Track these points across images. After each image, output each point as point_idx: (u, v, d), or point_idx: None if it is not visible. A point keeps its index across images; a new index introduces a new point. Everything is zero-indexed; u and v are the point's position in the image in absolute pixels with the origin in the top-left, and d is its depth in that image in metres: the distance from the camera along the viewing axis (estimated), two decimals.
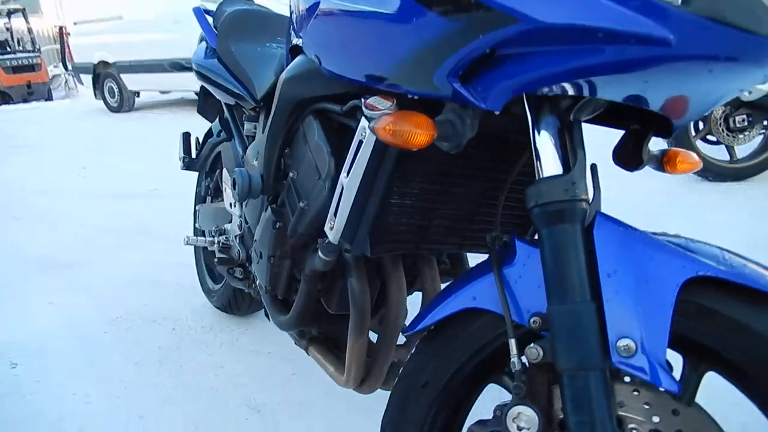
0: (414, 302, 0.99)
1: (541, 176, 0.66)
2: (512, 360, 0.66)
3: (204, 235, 1.86)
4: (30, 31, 10.74)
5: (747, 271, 0.60)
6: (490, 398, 0.77)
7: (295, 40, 0.97)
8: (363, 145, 0.78)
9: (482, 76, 0.61)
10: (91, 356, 1.67)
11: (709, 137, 2.94)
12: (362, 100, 0.76)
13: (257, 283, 1.14)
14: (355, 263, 0.93)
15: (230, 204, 1.40)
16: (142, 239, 2.73)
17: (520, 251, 0.69)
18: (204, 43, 1.66)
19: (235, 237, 1.35)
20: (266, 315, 1.36)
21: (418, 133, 0.67)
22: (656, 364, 0.58)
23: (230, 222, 1.44)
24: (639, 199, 2.67)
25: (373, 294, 0.98)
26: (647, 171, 0.84)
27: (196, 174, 1.95)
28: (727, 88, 0.60)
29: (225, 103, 1.56)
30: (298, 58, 0.95)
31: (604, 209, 0.68)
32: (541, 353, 0.65)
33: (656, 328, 0.59)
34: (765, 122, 2.86)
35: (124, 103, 7.96)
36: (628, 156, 0.80)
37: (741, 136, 2.85)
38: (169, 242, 2.64)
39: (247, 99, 1.40)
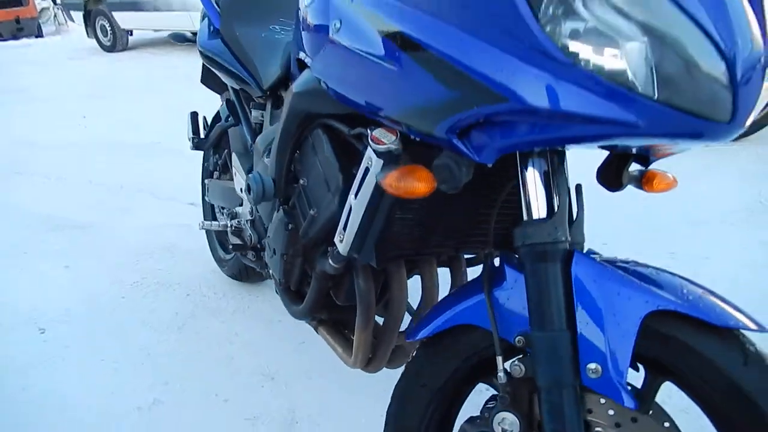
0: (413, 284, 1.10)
1: (528, 218, 0.75)
2: (499, 374, 0.77)
3: (213, 210, 1.96)
4: None
5: (701, 304, 0.70)
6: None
7: (302, 56, 1.02)
8: (369, 171, 0.85)
9: (477, 135, 0.69)
10: (112, 323, 1.80)
11: None
12: (368, 131, 0.83)
13: (270, 272, 1.24)
14: (361, 266, 1.02)
15: (241, 189, 1.47)
16: (149, 199, 2.81)
17: (509, 276, 0.79)
18: (206, 22, 1.68)
19: (247, 221, 1.44)
20: (276, 290, 1.48)
21: (420, 186, 0.75)
22: (618, 385, 0.69)
23: (241, 205, 1.52)
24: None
25: (377, 286, 1.08)
26: None
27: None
28: (698, 145, 0.68)
29: (230, 87, 1.60)
30: (307, 74, 1.00)
31: None
32: (524, 370, 0.76)
33: (620, 354, 0.69)
34: None
35: (118, 42, 7.81)
36: (611, 177, 0.88)
37: None
38: (175, 203, 2.72)
39: (253, 87, 1.45)
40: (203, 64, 1.93)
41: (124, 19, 7.56)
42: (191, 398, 1.45)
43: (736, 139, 2.98)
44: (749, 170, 2.68)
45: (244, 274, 1.86)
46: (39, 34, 10.11)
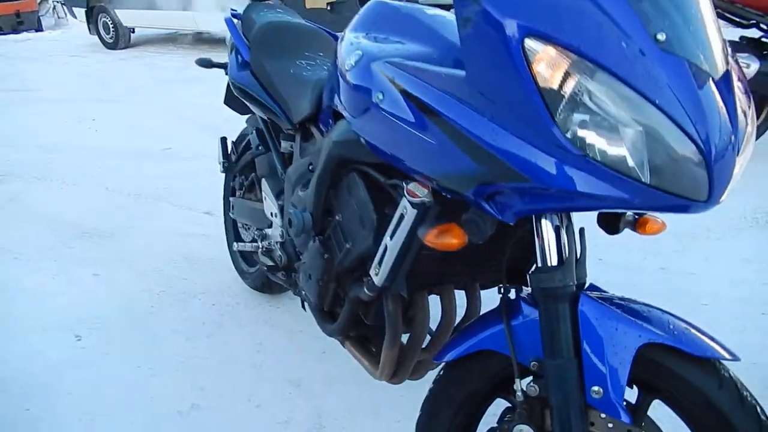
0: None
1: (542, 264, 0.89)
2: (517, 393, 0.92)
3: (235, 226, 2.10)
4: None
5: (684, 337, 0.85)
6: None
7: (339, 108, 1.16)
8: (404, 219, 1.00)
9: (500, 199, 0.83)
10: (144, 330, 1.93)
11: None
12: (404, 184, 0.98)
13: (303, 293, 1.38)
14: (391, 294, 1.17)
15: (271, 213, 1.61)
16: (168, 207, 2.93)
17: (525, 310, 0.94)
18: (235, 54, 1.81)
19: (276, 243, 1.58)
20: (302, 305, 1.62)
21: (455, 242, 0.91)
22: (617, 404, 0.84)
23: (270, 227, 1.65)
24: None
25: (403, 307, 1.23)
26: None
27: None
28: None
29: (259, 117, 1.73)
30: (344, 125, 1.14)
31: None
32: (538, 390, 0.91)
33: (618, 379, 0.85)
34: None
35: (120, 39, 7.89)
36: (609, 222, 1.03)
37: None
38: (193, 211, 2.85)
39: (282, 119, 1.59)
40: (227, 87, 2.07)
41: (127, 16, 7.64)
42: (227, 403, 1.59)
43: None
44: (736, 187, 2.84)
45: (268, 286, 2.00)
46: (39, 28, 10.15)
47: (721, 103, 0.73)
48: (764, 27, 2.91)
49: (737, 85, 0.77)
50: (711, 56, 0.73)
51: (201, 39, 8.15)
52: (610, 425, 0.91)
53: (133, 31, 8.07)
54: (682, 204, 0.73)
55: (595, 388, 0.85)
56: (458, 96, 0.82)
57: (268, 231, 1.64)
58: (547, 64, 0.72)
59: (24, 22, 9.99)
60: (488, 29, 0.76)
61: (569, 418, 0.87)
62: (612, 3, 0.71)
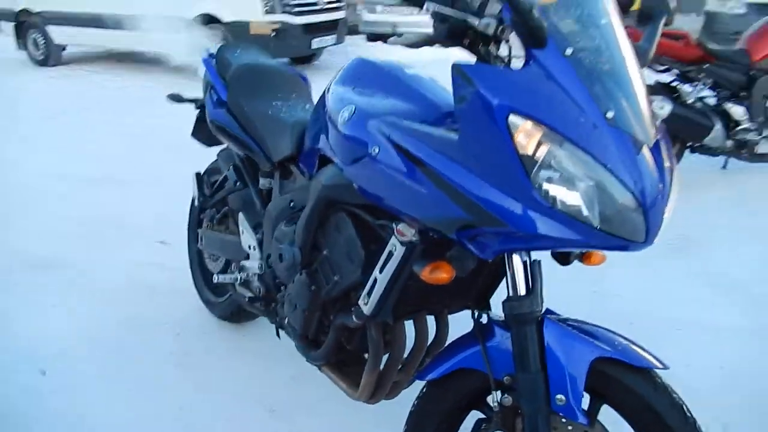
0: None
1: (514, 293, 1.07)
2: (494, 404, 1.08)
3: (200, 256, 2.17)
4: None
5: (627, 351, 1.04)
6: None
7: (329, 153, 1.30)
8: (393, 255, 1.14)
9: (481, 239, 1.00)
10: (112, 361, 1.95)
11: None
12: (393, 225, 1.13)
13: (286, 321, 1.49)
14: (374, 321, 1.30)
15: (249, 246, 1.71)
16: (119, 235, 2.90)
17: (497, 332, 1.11)
18: (211, 93, 1.90)
19: (254, 274, 1.68)
20: (277, 333, 1.72)
21: (445, 276, 1.08)
22: (576, 409, 1.02)
23: (247, 259, 1.75)
24: None
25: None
26: None
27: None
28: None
29: (236, 154, 1.83)
30: (333, 170, 1.28)
31: None
32: (511, 400, 1.08)
33: (577, 387, 1.03)
34: None
35: (51, 56, 7.62)
36: (562, 256, 1.22)
37: None
38: (148, 240, 2.84)
39: (261, 157, 1.70)
40: (196, 120, 2.16)
41: (60, 33, 7.40)
42: (206, 427, 1.66)
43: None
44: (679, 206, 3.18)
45: (236, 316, 2.07)
46: None
47: (653, 165, 0.94)
48: (675, 73, 3.31)
49: (664, 149, 0.99)
50: (645, 129, 0.94)
51: (135, 57, 8.00)
52: (570, 428, 1.08)
53: (65, 49, 7.82)
54: (625, 244, 0.93)
55: (559, 396, 1.03)
56: (449, 155, 0.99)
57: (246, 263, 1.73)
58: (525, 135, 0.91)
59: None
60: (480, 106, 0.94)
61: (537, 423, 1.04)
62: (573, 88, 0.91)
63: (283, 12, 6.44)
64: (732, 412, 1.68)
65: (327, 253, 1.33)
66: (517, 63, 1.04)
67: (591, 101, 0.91)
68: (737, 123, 3.21)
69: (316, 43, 6.87)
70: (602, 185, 0.90)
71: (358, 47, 8.70)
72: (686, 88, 3.24)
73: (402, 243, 1.12)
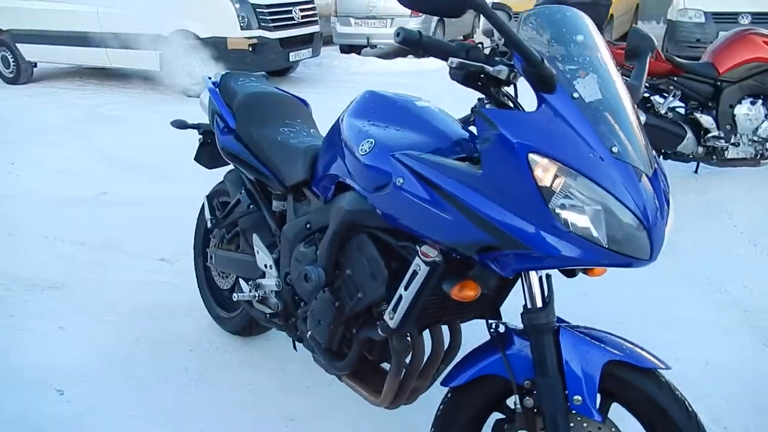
0: None
1: (532, 306, 1.18)
2: (517, 406, 1.19)
3: (206, 273, 2.24)
4: None
5: (633, 354, 1.17)
6: None
7: (350, 182, 1.40)
8: (418, 274, 1.25)
9: (502, 259, 1.11)
10: (128, 380, 2.00)
11: None
12: (417, 247, 1.23)
13: (309, 335, 1.58)
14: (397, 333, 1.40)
15: (265, 265, 1.79)
16: (118, 255, 2.94)
17: (516, 341, 1.22)
18: (218, 120, 1.98)
19: (272, 291, 1.76)
20: (294, 346, 1.80)
21: (471, 294, 1.19)
22: (592, 408, 1.14)
23: (263, 277, 1.83)
24: None
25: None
26: None
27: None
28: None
29: (247, 178, 1.92)
30: (355, 196, 1.38)
31: None
32: (533, 402, 1.19)
33: (592, 388, 1.14)
34: None
35: (21, 74, 7.53)
36: (569, 270, 1.34)
37: None
38: (146, 259, 2.89)
39: (273, 181, 1.78)
40: (199, 145, 2.23)
41: (30, 50, 7.32)
42: None
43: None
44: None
45: (248, 329, 2.14)
46: None
47: (652, 191, 1.07)
48: (647, 86, 3.51)
49: (661, 177, 1.12)
50: (645, 160, 1.08)
51: (109, 73, 7.96)
52: (585, 425, 1.20)
53: (35, 66, 7.72)
54: (631, 261, 1.05)
55: (577, 396, 1.14)
56: (473, 186, 1.11)
57: (262, 281, 1.81)
58: (543, 170, 1.04)
59: None
60: (503, 146, 1.07)
61: (557, 422, 1.16)
62: (581, 127, 1.05)
63: (260, 27, 6.51)
64: (720, 404, 1.83)
65: (350, 272, 1.43)
66: (523, 101, 1.18)
67: (597, 138, 1.04)
68: (707, 131, 3.41)
69: (293, 56, 6.96)
70: (611, 210, 1.03)
71: (332, 59, 8.86)
72: (658, 99, 3.44)
73: (426, 263, 1.23)
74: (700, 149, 3.46)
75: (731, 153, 3.45)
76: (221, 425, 1.80)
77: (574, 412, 1.16)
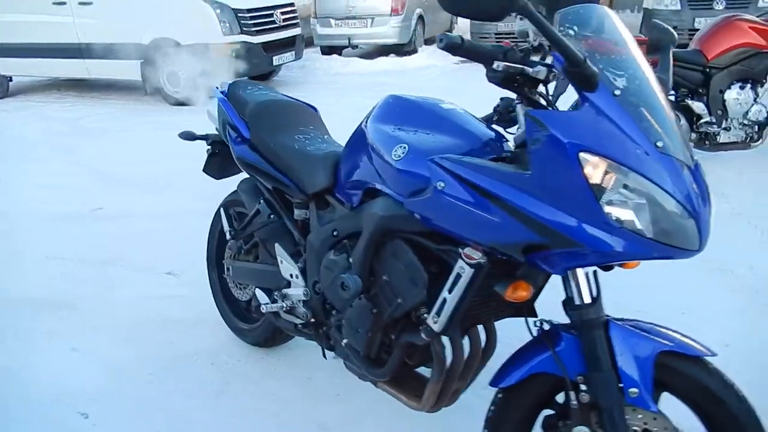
0: None
1: (580, 302, 1.19)
2: (572, 402, 1.20)
3: (221, 284, 2.21)
4: None
5: (681, 344, 1.18)
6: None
7: (382, 188, 1.39)
8: (462, 276, 1.25)
9: (551, 258, 1.12)
10: (151, 398, 1.97)
11: None
12: (460, 250, 1.23)
13: (344, 343, 1.56)
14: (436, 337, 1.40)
15: (291, 275, 1.77)
16: (122, 271, 2.89)
17: (566, 338, 1.23)
18: (230, 130, 1.96)
19: (299, 301, 1.74)
20: (323, 355, 1.79)
21: (524, 294, 1.20)
22: (648, 399, 1.15)
23: (288, 287, 1.81)
24: None
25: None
26: None
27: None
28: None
29: (265, 187, 1.89)
30: (389, 201, 1.38)
31: None
32: (588, 397, 1.19)
33: (646, 380, 1.16)
34: None
35: None
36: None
37: None
38: (153, 274, 2.85)
39: (293, 190, 1.76)
40: (208, 156, 2.20)
41: (7, 64, 7.16)
42: None
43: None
44: None
45: (270, 340, 2.12)
46: None
47: (694, 182, 1.09)
48: None
49: (701, 169, 1.14)
50: (686, 154, 1.10)
51: (88, 84, 7.82)
52: (640, 416, 1.21)
53: (11, 80, 7.55)
54: (679, 252, 1.06)
55: (632, 389, 1.16)
56: (520, 187, 1.11)
57: (288, 291, 1.79)
58: (593, 167, 1.05)
59: None
60: (553, 146, 1.08)
61: (614, 415, 1.17)
62: (626, 124, 1.06)
63: (242, 32, 6.46)
64: (744, 386, 1.86)
65: (386, 278, 1.42)
66: (560, 100, 1.20)
67: (642, 134, 1.06)
68: (699, 117, 3.47)
69: (276, 60, 6.92)
70: (660, 203, 1.04)
71: (314, 61, 8.82)
72: None
73: (470, 265, 1.23)
74: (693, 135, 3.52)
75: (723, 137, 3.51)
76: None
77: (629, 404, 1.18)
